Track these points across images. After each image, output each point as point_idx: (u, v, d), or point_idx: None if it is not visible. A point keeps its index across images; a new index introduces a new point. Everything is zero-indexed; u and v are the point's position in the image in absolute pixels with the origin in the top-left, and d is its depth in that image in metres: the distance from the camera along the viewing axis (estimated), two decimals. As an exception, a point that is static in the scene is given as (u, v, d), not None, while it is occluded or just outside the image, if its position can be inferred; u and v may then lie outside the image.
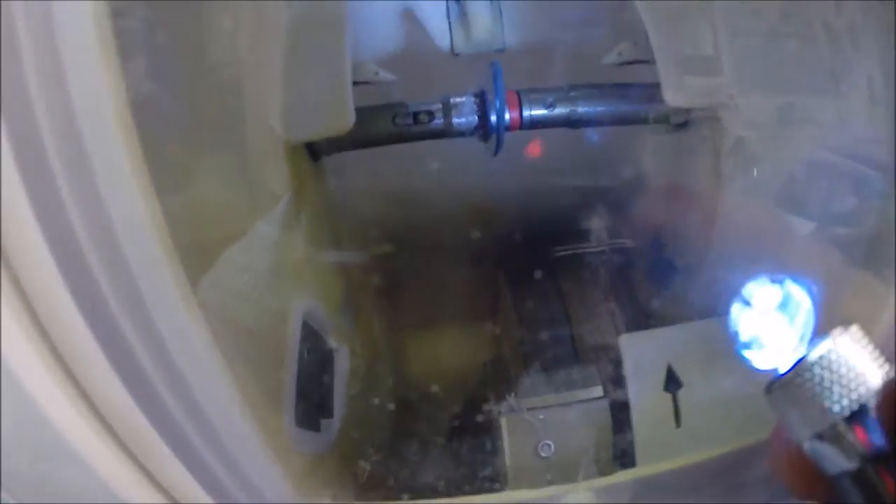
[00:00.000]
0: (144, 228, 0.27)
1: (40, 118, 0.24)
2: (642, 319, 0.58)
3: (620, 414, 0.48)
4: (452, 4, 0.56)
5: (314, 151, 0.57)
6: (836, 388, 0.24)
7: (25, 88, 0.23)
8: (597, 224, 0.66)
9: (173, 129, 0.49)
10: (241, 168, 0.52)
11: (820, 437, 0.24)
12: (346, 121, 0.50)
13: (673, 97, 0.54)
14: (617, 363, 0.48)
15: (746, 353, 0.30)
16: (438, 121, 0.53)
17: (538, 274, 0.63)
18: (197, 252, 0.47)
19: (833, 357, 0.24)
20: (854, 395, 0.23)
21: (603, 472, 0.45)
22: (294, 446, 0.48)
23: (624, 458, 0.47)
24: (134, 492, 0.29)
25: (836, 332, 0.24)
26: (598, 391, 0.49)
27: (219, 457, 0.34)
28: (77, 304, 0.25)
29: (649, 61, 0.56)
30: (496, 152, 0.53)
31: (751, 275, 0.37)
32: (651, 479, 0.41)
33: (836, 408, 0.23)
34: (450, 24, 0.56)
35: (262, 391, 0.47)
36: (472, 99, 0.53)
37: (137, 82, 0.45)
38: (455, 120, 0.53)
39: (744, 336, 0.30)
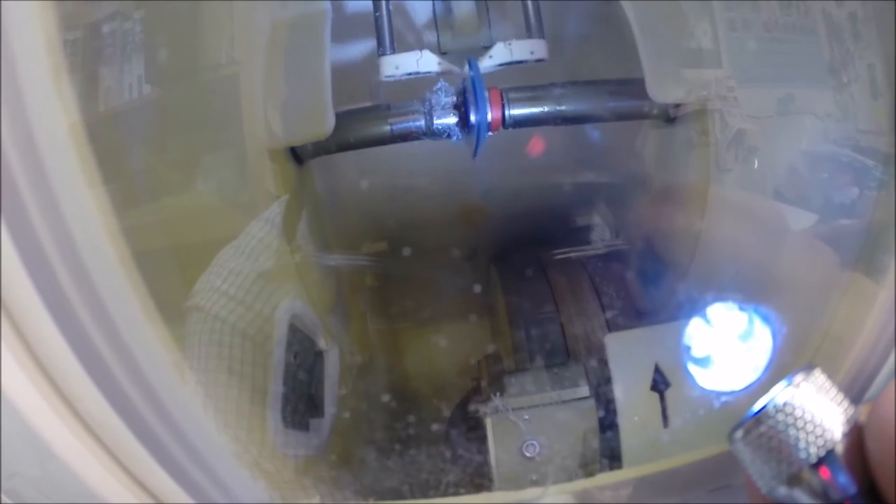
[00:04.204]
0: (103, 244, 0.28)
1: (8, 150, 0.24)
2: (634, 318, 0.58)
3: (607, 414, 0.47)
4: (438, 2, 0.56)
5: (298, 156, 0.57)
6: (800, 436, 0.23)
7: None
8: (589, 221, 0.66)
9: (168, 133, 0.49)
10: (236, 169, 0.53)
11: (787, 484, 0.23)
12: (325, 126, 0.50)
13: (657, 93, 0.53)
14: (605, 362, 0.48)
15: (692, 368, 0.29)
16: (420, 123, 0.53)
17: (529, 271, 0.63)
18: (186, 253, 0.48)
19: (796, 404, 0.23)
20: (820, 442, 0.23)
21: (589, 473, 0.45)
22: (281, 447, 0.48)
23: (611, 458, 0.47)
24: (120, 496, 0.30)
25: (798, 377, 0.24)
26: (584, 391, 0.48)
27: (195, 462, 0.34)
28: (53, 319, 0.26)
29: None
30: (475, 153, 0.53)
31: (728, 292, 0.37)
32: (633, 482, 0.41)
33: (803, 454, 0.23)
34: (436, 21, 0.55)
35: (251, 393, 0.47)
36: (453, 99, 0.52)
37: (128, 88, 0.46)
38: (437, 124, 0.53)
39: (696, 352, 0.30)
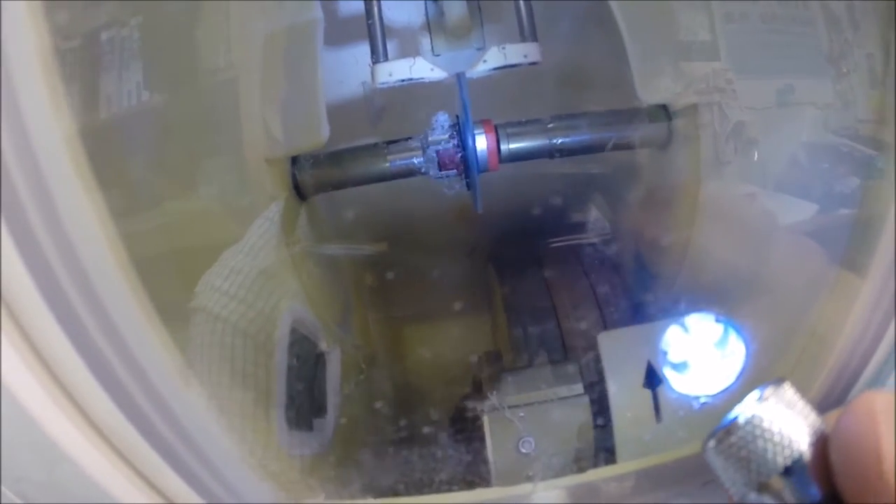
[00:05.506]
0: (102, 251, 0.28)
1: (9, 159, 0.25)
2: (629, 315, 0.59)
3: (601, 410, 0.48)
4: (430, 4, 0.56)
5: (301, 192, 0.58)
6: (768, 446, 0.24)
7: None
8: (586, 217, 0.67)
9: (168, 140, 0.50)
10: (235, 177, 0.54)
11: (756, 490, 0.25)
12: (320, 136, 0.51)
13: (644, 93, 0.53)
14: (599, 360, 0.49)
15: (668, 373, 0.31)
16: (419, 160, 0.55)
17: (528, 269, 0.63)
18: (188, 257, 0.49)
19: (764, 416, 0.25)
20: (786, 452, 0.24)
21: (583, 468, 0.46)
22: (286, 447, 0.49)
23: (605, 453, 0.48)
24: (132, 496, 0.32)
25: (768, 390, 0.25)
26: (578, 388, 0.49)
27: (202, 463, 0.36)
28: (59, 323, 0.27)
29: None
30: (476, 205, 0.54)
31: (719, 289, 0.38)
32: (626, 476, 0.42)
33: (770, 463, 0.24)
34: (428, 24, 0.56)
35: (255, 393, 0.49)
36: (455, 151, 0.54)
37: (125, 96, 0.47)
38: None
39: (673, 357, 0.31)
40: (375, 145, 0.56)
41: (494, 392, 0.49)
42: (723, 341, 0.35)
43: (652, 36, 0.55)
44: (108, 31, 0.46)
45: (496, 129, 0.55)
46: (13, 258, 0.25)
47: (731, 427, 0.25)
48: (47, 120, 0.27)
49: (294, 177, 0.57)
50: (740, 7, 0.58)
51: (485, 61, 0.53)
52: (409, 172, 0.56)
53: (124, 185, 0.44)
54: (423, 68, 0.52)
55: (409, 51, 0.57)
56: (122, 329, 0.30)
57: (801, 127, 0.56)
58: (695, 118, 0.57)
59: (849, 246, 0.44)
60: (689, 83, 0.57)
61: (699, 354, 0.35)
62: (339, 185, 0.57)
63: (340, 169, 0.53)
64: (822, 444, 0.25)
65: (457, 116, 0.54)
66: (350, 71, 0.63)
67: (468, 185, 0.54)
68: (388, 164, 0.56)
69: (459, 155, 0.52)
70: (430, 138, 0.54)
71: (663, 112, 0.58)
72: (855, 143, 0.54)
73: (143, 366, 0.31)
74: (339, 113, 0.54)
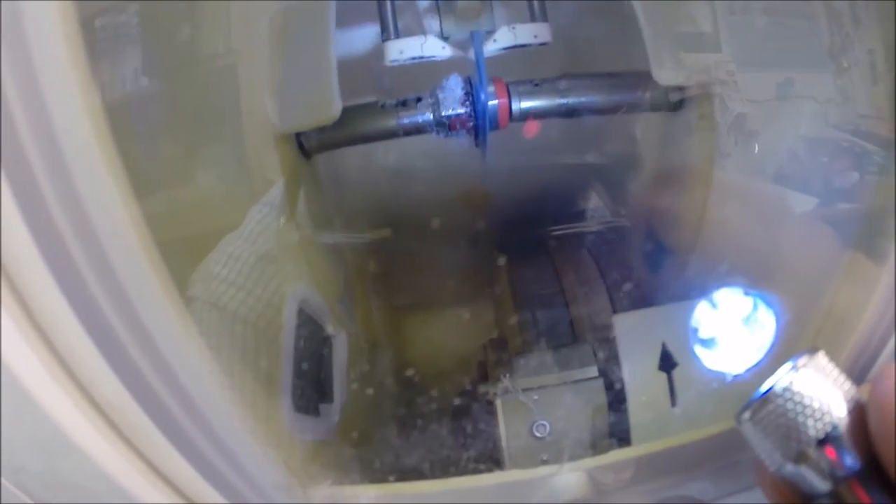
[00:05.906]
0: (124, 229, 0.27)
1: (22, 129, 0.24)
2: (639, 298, 0.58)
3: (616, 393, 0.48)
4: (440, -12, 0.56)
5: (305, 151, 0.57)
6: (804, 417, 0.24)
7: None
8: (593, 203, 0.66)
9: (168, 123, 0.49)
10: (237, 158, 0.53)
11: (794, 461, 0.24)
12: (332, 111, 0.50)
13: (662, 75, 0.53)
14: (612, 343, 0.48)
15: (699, 350, 0.30)
16: (428, 117, 0.54)
17: (534, 254, 0.63)
18: (190, 245, 0.48)
19: (800, 385, 0.24)
20: (822, 423, 0.24)
21: (599, 452, 0.46)
22: (293, 432, 0.48)
23: (619, 437, 0.48)
24: (145, 489, 0.30)
25: (802, 359, 0.25)
26: (593, 371, 0.49)
27: (214, 447, 0.34)
28: (71, 306, 0.26)
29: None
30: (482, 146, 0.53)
31: (732, 273, 0.38)
32: (644, 459, 0.41)
33: (808, 433, 0.24)
34: (438, 6, 0.55)
35: (257, 379, 0.47)
36: (462, 102, 0.53)
37: (126, 81, 0.46)
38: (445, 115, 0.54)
39: (703, 333, 0.31)
40: (384, 104, 0.56)
41: (507, 375, 0.48)
42: (752, 315, 0.35)
43: (667, 19, 0.55)
44: (125, 11, 0.45)
45: (507, 86, 0.54)
46: (19, 228, 0.24)
47: (767, 397, 0.25)
48: (71, 92, 0.25)
49: (298, 135, 0.56)
50: (742, -1, 0.58)
51: (495, 41, 0.53)
52: (418, 130, 0.55)
53: (140, 165, 0.43)
54: (434, 46, 0.51)
55: (418, 33, 0.56)
56: (142, 312, 0.28)
57: (801, 120, 0.57)
58: (709, 98, 0.58)
59: (865, 232, 0.44)
60: (690, 75, 0.57)
61: (729, 330, 0.34)
62: (344, 143, 0.56)
63: (347, 124, 0.52)
64: (858, 412, 0.24)
65: (468, 80, 0.53)
66: (358, 51, 0.62)
67: (477, 144, 0.54)
68: (395, 123, 0.55)
69: (471, 123, 0.52)
70: (440, 95, 0.53)
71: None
72: (856, 139, 0.54)
73: (163, 353, 0.30)
74: (347, 91, 0.53)
